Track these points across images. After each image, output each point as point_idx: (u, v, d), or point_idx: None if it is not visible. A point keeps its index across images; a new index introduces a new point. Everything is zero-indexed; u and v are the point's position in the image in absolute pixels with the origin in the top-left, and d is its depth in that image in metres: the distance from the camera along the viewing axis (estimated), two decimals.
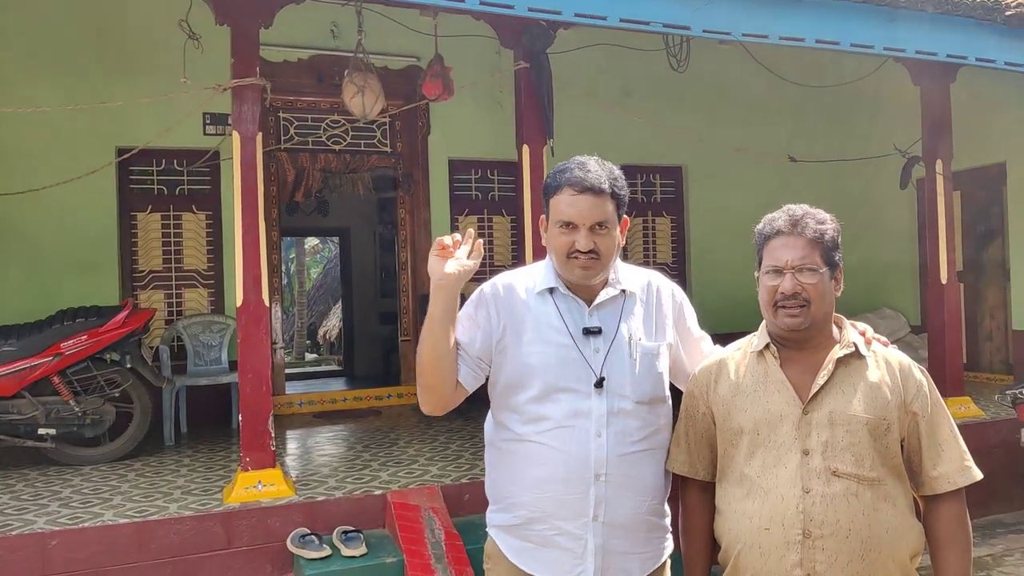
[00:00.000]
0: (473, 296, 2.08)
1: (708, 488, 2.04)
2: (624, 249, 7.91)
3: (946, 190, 5.97)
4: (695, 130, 7.24)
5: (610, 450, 1.93)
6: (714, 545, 2.02)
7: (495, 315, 2.01)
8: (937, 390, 1.96)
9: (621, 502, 1.95)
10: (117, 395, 5.30)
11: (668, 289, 2.15)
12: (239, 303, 4.25)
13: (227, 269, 6.49)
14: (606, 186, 1.95)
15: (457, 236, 1.95)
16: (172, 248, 6.75)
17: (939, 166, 5.94)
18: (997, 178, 7.64)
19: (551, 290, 2.02)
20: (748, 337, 2.05)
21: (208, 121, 6.55)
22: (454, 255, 1.92)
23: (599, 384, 1.94)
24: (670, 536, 2.11)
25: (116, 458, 5.21)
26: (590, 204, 1.93)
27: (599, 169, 1.97)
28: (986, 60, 5.07)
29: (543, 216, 2.05)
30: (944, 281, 5.93)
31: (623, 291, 2.05)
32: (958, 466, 1.88)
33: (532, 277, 2.07)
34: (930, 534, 1.89)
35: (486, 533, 2.11)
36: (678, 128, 7.02)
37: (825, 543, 1.79)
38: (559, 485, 1.93)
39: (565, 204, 1.95)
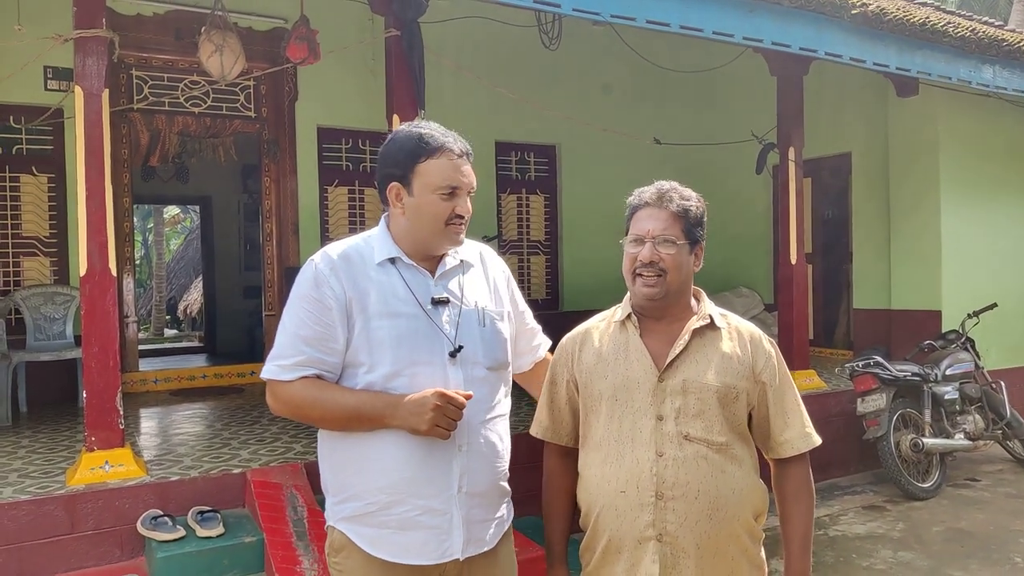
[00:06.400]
0: (308, 275, 1.90)
1: (570, 453, 2.09)
2: (499, 226, 7.80)
3: (797, 176, 6.33)
4: (567, 109, 7.33)
5: (471, 419, 1.90)
6: (575, 510, 2.07)
7: (339, 289, 1.86)
8: (784, 362, 2.07)
9: (482, 470, 1.94)
10: None
11: (496, 260, 2.16)
12: (83, 272, 3.97)
13: (72, 236, 6.04)
14: (472, 152, 2.00)
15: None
16: (8, 213, 6.21)
17: (792, 153, 6.28)
18: (844, 167, 8.18)
19: (392, 260, 1.94)
20: (613, 308, 2.11)
21: (50, 75, 6.05)
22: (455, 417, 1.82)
23: (454, 354, 1.90)
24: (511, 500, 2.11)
25: None
26: (469, 169, 1.97)
27: (459, 136, 2.01)
28: (834, 55, 5.38)
29: (396, 184, 1.94)
30: (793, 262, 6.29)
31: (462, 261, 2.03)
32: (800, 432, 2.01)
33: (367, 246, 1.96)
34: (778, 493, 2.03)
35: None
36: (551, 107, 7.08)
37: (676, 504, 1.87)
38: (421, 461, 1.87)
39: (450, 169, 1.91)
